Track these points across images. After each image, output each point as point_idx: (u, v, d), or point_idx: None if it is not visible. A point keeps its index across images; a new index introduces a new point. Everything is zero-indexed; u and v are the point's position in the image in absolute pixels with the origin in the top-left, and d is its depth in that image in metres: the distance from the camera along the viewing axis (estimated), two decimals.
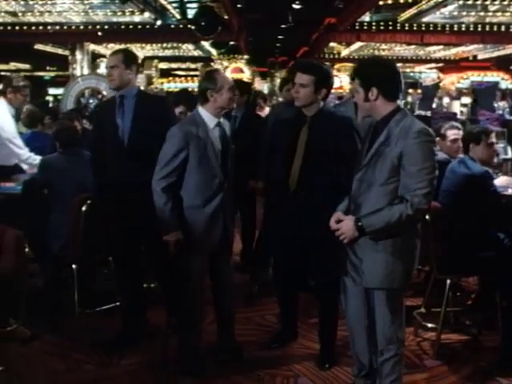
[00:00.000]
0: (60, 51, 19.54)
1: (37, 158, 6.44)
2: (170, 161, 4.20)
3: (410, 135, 3.39)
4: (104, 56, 20.27)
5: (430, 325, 5.12)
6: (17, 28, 14.57)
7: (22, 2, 12.40)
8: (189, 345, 4.45)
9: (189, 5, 13.48)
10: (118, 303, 5.09)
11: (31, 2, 12.40)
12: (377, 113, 3.58)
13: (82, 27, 14.60)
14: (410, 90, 19.92)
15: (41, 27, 14.56)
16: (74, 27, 14.62)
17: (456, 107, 15.71)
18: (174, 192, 4.24)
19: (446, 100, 17.40)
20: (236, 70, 22.04)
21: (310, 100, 4.38)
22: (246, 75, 21.61)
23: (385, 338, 3.66)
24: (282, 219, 4.56)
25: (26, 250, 3.91)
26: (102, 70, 19.46)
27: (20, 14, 13.54)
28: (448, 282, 4.86)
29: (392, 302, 3.63)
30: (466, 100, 16.26)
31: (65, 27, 14.57)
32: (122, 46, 18.55)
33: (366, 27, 15.06)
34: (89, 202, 4.87)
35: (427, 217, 4.73)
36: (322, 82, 4.39)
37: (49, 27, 14.51)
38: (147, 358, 4.69)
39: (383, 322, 3.65)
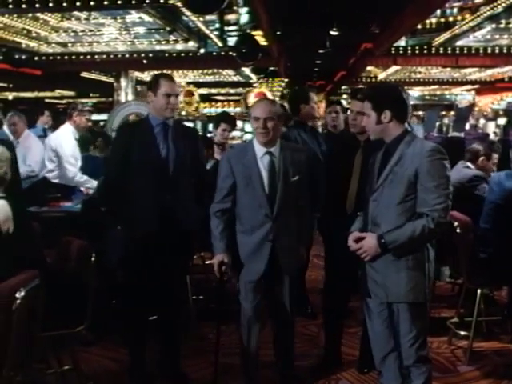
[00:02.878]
0: (104, 78, 20.05)
1: (84, 177, 7.03)
2: (220, 187, 4.28)
3: (424, 154, 3.49)
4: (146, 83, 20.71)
5: (462, 333, 5.30)
6: (66, 58, 15.10)
7: (72, 34, 12.95)
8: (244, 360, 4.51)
9: (230, 33, 13.81)
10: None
11: (81, 34, 12.93)
12: (388, 135, 3.68)
13: (127, 56, 15.03)
14: (445, 112, 19.93)
15: (88, 56, 15.05)
16: (119, 56, 15.08)
17: (491, 128, 15.76)
18: (229, 217, 4.28)
19: (482, 121, 17.44)
20: (259, 94, 22.19)
21: None
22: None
23: (411, 355, 3.68)
24: (341, 243, 4.38)
25: (93, 258, 4.24)
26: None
27: (69, 45, 14.09)
28: (479, 292, 5.05)
29: (417, 317, 3.65)
30: (502, 121, 16.30)
31: (111, 56, 15.05)
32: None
33: (401, 51, 15.09)
34: None
35: (458, 230, 5.04)
36: None
37: (96, 56, 15.02)
38: (200, 361, 5.04)
39: (407, 338, 3.66)
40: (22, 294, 3.29)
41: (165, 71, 17.14)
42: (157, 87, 4.47)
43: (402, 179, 3.54)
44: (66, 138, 7.16)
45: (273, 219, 4.16)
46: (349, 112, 4.68)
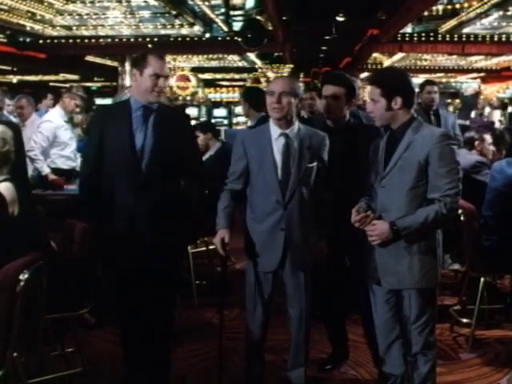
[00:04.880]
0: (109, 62, 19.98)
1: (39, 157, 7.03)
2: (232, 169, 4.07)
3: (435, 139, 3.47)
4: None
5: (465, 320, 5.33)
6: (70, 41, 15.06)
7: (77, 17, 12.90)
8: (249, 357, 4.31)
9: (235, 18, 13.75)
10: None
11: (85, 17, 12.88)
12: (396, 121, 3.62)
13: (132, 40, 14.97)
14: (450, 100, 19.88)
15: (93, 40, 15.01)
16: (124, 39, 15.01)
17: (497, 116, 15.72)
18: (236, 197, 4.07)
19: (487, 110, 17.40)
20: (256, 80, 22.07)
21: (343, 112, 4.33)
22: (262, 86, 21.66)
23: (419, 341, 3.68)
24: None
25: None
26: None
27: (74, 28, 14.04)
28: (482, 280, 5.06)
29: (428, 303, 3.65)
30: (508, 109, 16.26)
31: (116, 40, 14.99)
32: (169, 57, 19.06)
33: (407, 38, 15.00)
34: None
35: (462, 218, 5.03)
36: (352, 93, 4.37)
37: (101, 40, 14.97)
38: (201, 346, 5.07)
39: (417, 324, 3.65)
40: (26, 276, 3.30)
41: (170, 56, 17.12)
42: (144, 66, 3.89)
43: (413, 165, 3.52)
44: (49, 119, 7.18)
45: (284, 206, 3.93)
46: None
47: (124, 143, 3.90)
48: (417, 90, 3.94)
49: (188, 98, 19.60)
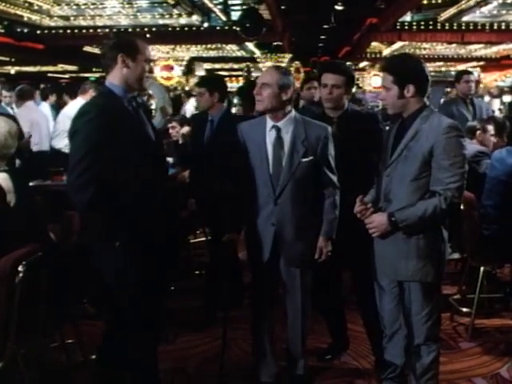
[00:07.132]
0: None
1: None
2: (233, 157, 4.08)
3: (441, 130, 3.38)
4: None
5: (464, 310, 5.34)
6: (68, 32, 15.03)
7: (75, 7, 12.86)
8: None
9: (234, 7, 13.71)
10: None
11: (83, 7, 12.85)
12: (407, 109, 3.54)
13: (130, 30, 14.89)
14: (449, 89, 19.79)
15: (91, 30, 14.97)
16: (122, 30, 14.94)
17: (496, 105, 15.67)
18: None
19: (486, 98, 17.34)
20: (248, 70, 21.96)
21: (342, 101, 4.25)
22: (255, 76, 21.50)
23: (422, 333, 3.65)
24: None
25: None
26: None
27: (72, 18, 14.00)
28: (482, 269, 5.03)
29: (427, 297, 3.60)
30: (508, 98, 16.20)
31: (114, 30, 14.92)
32: (167, 47, 19.02)
33: (406, 27, 14.94)
34: None
35: (462, 207, 5.00)
36: (352, 82, 4.32)
37: (99, 30, 14.93)
38: (201, 337, 5.08)
39: (419, 316, 3.63)
40: (25, 267, 3.29)
41: (168, 46, 17.07)
42: (137, 51, 3.52)
43: (417, 155, 3.44)
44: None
45: (274, 201, 3.86)
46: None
47: (144, 139, 3.59)
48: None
49: (186, 88, 19.56)
